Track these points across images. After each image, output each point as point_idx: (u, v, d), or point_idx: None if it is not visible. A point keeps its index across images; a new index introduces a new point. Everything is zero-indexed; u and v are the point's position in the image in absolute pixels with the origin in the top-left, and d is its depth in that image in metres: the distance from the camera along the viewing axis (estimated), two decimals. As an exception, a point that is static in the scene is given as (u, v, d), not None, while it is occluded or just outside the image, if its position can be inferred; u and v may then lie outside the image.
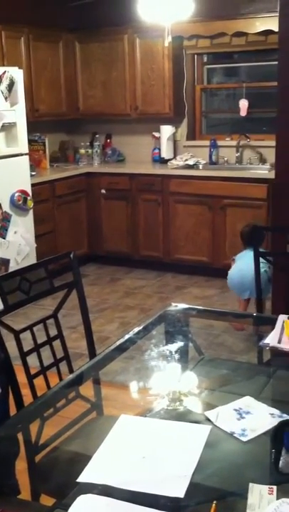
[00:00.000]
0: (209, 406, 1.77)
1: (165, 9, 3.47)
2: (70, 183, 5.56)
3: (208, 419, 1.69)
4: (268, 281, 3.60)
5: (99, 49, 5.79)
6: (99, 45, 5.78)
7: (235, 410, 1.74)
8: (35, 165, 5.49)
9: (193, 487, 1.39)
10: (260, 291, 2.84)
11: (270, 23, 4.84)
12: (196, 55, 5.81)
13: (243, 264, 3.94)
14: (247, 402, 1.78)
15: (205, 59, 5.90)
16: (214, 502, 1.30)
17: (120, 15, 5.50)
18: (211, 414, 1.71)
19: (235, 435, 1.61)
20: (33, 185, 4.93)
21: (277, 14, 3.32)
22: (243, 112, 5.55)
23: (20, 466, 1.72)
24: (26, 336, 2.09)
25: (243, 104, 5.53)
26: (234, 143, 5.63)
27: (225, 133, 5.79)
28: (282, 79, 3.38)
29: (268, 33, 5.07)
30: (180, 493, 1.36)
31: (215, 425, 1.66)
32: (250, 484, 1.36)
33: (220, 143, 5.70)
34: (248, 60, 5.79)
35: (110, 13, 5.65)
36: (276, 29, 3.43)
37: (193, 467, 1.45)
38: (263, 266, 3.01)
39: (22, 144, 4.73)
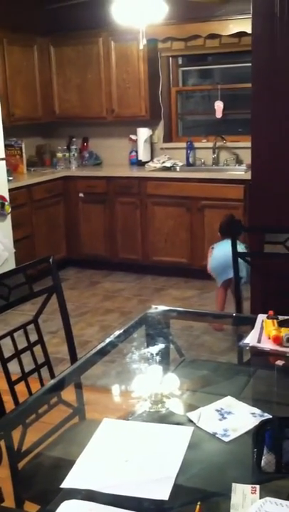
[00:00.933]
0: (191, 407, 1.78)
1: (139, 12, 3.48)
2: (48, 187, 5.54)
3: (190, 421, 1.70)
4: (248, 265, 3.62)
5: (74, 52, 5.78)
6: (73, 49, 5.77)
7: (217, 411, 1.75)
8: (12, 170, 5.46)
9: (177, 489, 1.39)
10: (238, 273, 2.85)
11: (244, 24, 4.89)
12: (170, 58, 5.83)
13: (224, 248, 3.96)
14: (228, 402, 1.80)
15: (180, 61, 5.93)
16: (198, 503, 1.30)
17: (94, 18, 5.50)
18: (193, 415, 1.72)
19: (217, 436, 1.62)
20: (10, 190, 4.90)
21: (250, 16, 3.35)
22: (219, 114, 5.59)
23: (3, 473, 1.71)
24: (6, 342, 2.07)
25: (218, 105, 5.58)
26: (210, 144, 5.66)
27: (201, 135, 5.83)
28: (255, 80, 3.41)
29: (241, 34, 5.12)
30: (164, 495, 1.37)
31: (197, 426, 1.66)
32: (233, 484, 1.37)
33: (196, 145, 5.73)
34: (222, 62, 5.82)
35: (84, 16, 5.65)
36: (249, 31, 3.46)
37: (177, 469, 1.46)
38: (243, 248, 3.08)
39: (-2, 149, 4.71)
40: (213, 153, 5.64)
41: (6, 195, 4.80)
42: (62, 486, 1.43)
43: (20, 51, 5.51)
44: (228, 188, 5.07)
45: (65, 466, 1.52)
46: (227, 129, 5.72)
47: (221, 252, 4.15)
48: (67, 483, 1.43)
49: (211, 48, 5.45)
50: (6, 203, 4.77)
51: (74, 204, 5.78)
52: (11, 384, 2.08)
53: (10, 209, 4.82)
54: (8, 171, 4.99)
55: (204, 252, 5.21)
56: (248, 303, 3.65)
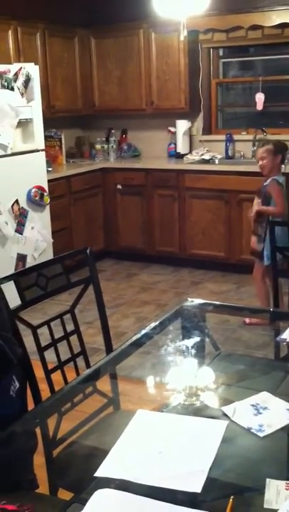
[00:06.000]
0: (226, 401, 1.77)
1: (180, 4, 3.45)
2: (86, 179, 5.58)
3: (225, 415, 1.69)
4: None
5: (114, 44, 5.78)
6: (114, 41, 5.77)
7: (252, 406, 1.73)
8: (51, 161, 5.50)
9: (210, 482, 1.39)
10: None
11: (287, 16, 4.82)
12: (211, 49, 5.78)
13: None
14: (264, 397, 1.78)
15: (221, 53, 5.87)
16: (231, 497, 1.30)
17: (135, 9, 5.49)
18: (227, 409, 1.71)
19: (252, 430, 1.61)
20: (49, 181, 4.95)
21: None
22: (259, 106, 5.52)
23: (38, 460, 1.73)
24: (43, 331, 2.10)
25: (259, 97, 5.50)
26: (250, 137, 5.60)
27: (241, 127, 5.77)
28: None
29: (284, 26, 5.04)
30: (197, 488, 1.37)
31: (232, 420, 1.66)
32: (267, 480, 1.36)
33: (236, 137, 5.67)
34: (264, 54, 5.74)
35: (125, 7, 5.64)
36: (292, 22, 3.40)
37: (210, 462, 1.45)
38: None
39: (38, 140, 4.75)
40: (253, 145, 5.57)
41: (45, 186, 4.84)
42: (96, 474, 1.44)
43: (61, 43, 5.54)
44: (268, 182, 5.00)
45: (99, 455, 1.53)
46: (268, 122, 5.65)
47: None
48: (101, 472, 1.45)
49: (252, 39, 5.38)
50: (45, 194, 4.82)
51: (112, 196, 5.79)
52: (48, 372, 2.11)
53: (49, 200, 4.86)
54: (47, 161, 5.03)
55: (242, 245, 5.17)
56: (286, 298, 3.62)
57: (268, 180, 4.04)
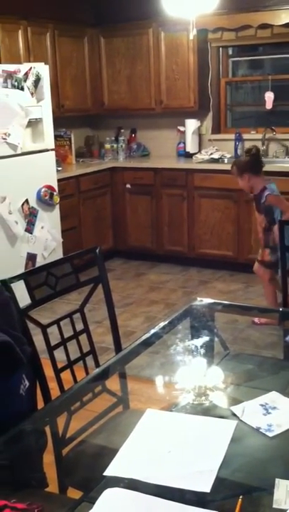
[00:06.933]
0: (235, 401, 1.77)
1: (189, 2, 3.45)
2: (95, 178, 5.58)
3: (234, 414, 1.69)
4: None
5: (123, 43, 5.79)
6: (123, 40, 5.78)
7: (261, 405, 1.73)
8: (61, 160, 5.52)
9: (219, 482, 1.39)
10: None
11: (296, 14, 4.79)
12: (220, 48, 5.77)
13: None
14: (273, 397, 1.78)
15: (230, 52, 5.87)
16: (240, 497, 1.30)
17: (144, 9, 5.49)
18: (236, 409, 1.71)
19: (261, 430, 1.61)
20: (59, 180, 4.96)
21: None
22: (269, 105, 5.51)
23: (48, 459, 1.74)
24: (53, 331, 2.11)
25: (269, 96, 5.49)
26: (260, 136, 5.58)
27: (250, 126, 5.76)
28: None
29: (293, 24, 5.02)
30: (206, 487, 1.37)
31: (241, 420, 1.66)
32: (277, 480, 1.36)
33: (245, 136, 5.66)
34: (273, 53, 5.73)
35: (134, 7, 5.64)
36: (302, 21, 3.39)
37: (219, 462, 1.45)
38: None
39: (48, 140, 4.76)
40: (263, 145, 5.56)
41: (55, 186, 4.86)
42: (105, 473, 1.44)
43: (70, 42, 5.56)
44: (277, 181, 4.97)
45: (108, 454, 1.54)
46: (277, 121, 5.63)
47: None
48: (110, 471, 1.45)
49: (262, 38, 5.36)
50: (55, 193, 4.83)
51: (121, 195, 5.80)
52: (57, 371, 2.11)
53: (58, 199, 4.87)
54: (57, 161, 5.05)
55: (251, 245, 5.16)
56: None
57: (263, 197, 4.06)
